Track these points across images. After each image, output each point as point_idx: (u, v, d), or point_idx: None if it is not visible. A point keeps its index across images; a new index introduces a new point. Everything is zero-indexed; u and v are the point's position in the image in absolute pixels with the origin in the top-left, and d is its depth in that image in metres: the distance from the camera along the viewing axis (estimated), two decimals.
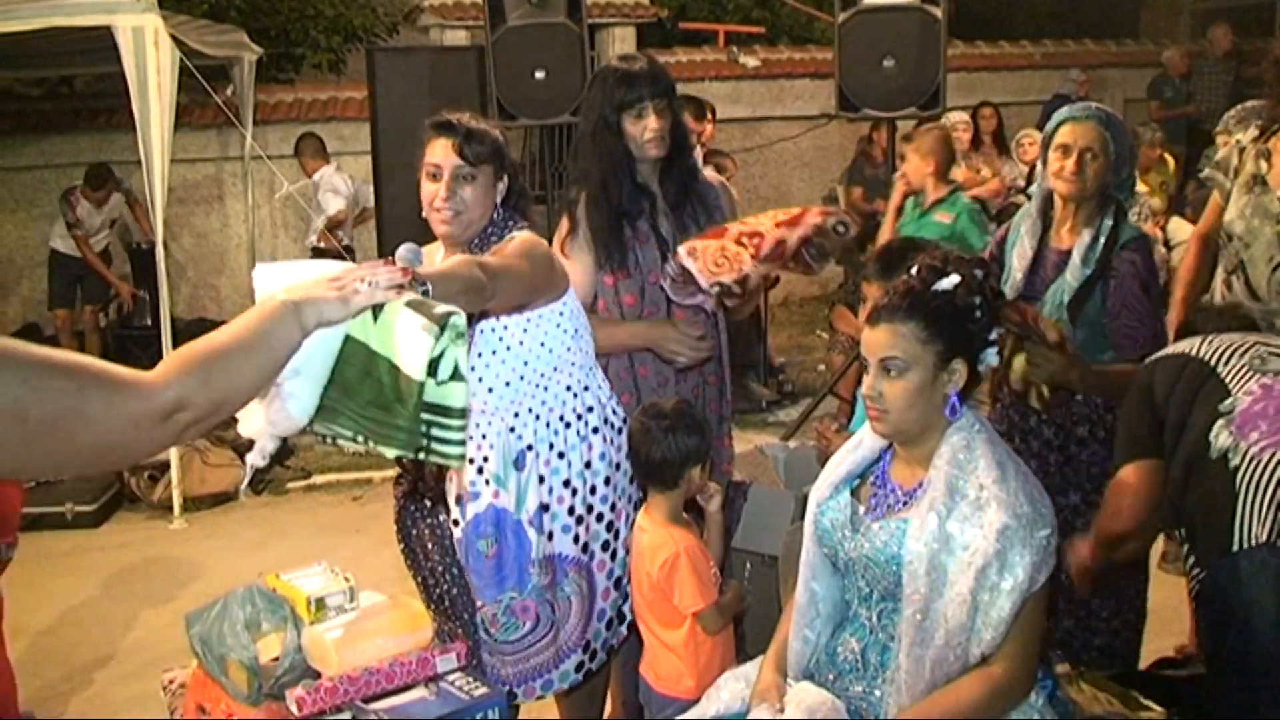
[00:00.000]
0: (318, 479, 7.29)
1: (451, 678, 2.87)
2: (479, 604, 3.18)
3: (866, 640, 2.57)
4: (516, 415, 3.14)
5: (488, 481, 3.13)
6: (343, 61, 11.68)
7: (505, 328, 3.10)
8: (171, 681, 3.31)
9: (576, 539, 3.22)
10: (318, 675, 2.85)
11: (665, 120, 3.53)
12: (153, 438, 1.80)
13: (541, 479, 3.16)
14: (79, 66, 9.45)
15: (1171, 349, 2.95)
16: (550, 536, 3.18)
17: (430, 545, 3.26)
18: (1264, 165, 3.85)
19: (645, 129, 3.51)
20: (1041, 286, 3.60)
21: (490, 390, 3.12)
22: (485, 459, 3.13)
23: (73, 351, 1.79)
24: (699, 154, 6.82)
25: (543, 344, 3.14)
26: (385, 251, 7.21)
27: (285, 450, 7.58)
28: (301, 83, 11.10)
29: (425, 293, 2.27)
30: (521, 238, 3.07)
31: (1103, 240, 3.50)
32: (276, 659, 2.88)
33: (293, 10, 11.38)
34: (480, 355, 3.09)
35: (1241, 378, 2.72)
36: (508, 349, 3.10)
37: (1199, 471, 2.71)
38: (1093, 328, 3.52)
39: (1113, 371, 3.37)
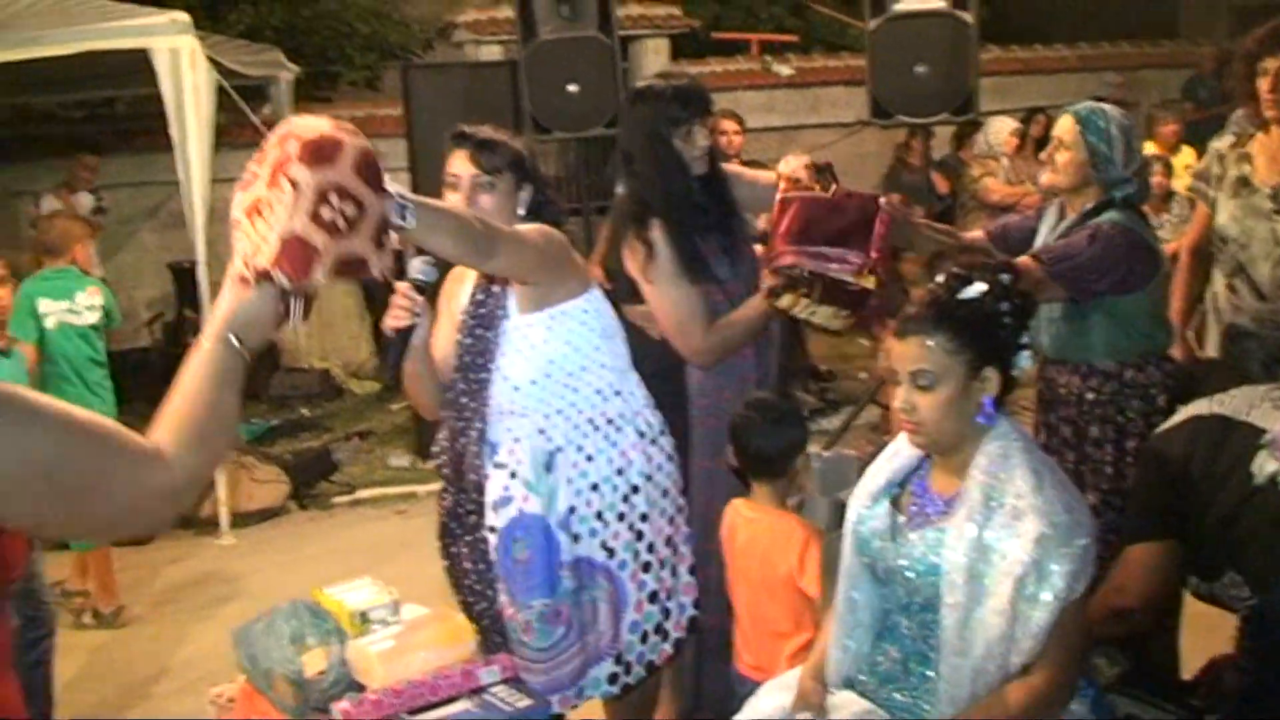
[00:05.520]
0: (362, 494, 7.34)
1: (495, 690, 2.89)
2: (511, 612, 3.17)
3: (907, 650, 2.57)
4: (546, 416, 3.16)
5: (519, 487, 3.15)
6: (379, 79, 11.76)
7: (530, 325, 3.13)
8: (220, 695, 3.35)
9: (603, 544, 3.21)
10: (362, 688, 2.88)
11: (709, 139, 3.65)
12: (162, 513, 1.76)
13: (569, 480, 3.17)
14: (119, 88, 9.56)
15: (1178, 418, 2.96)
16: (577, 539, 3.18)
17: (468, 564, 3.29)
18: (1247, 168, 3.92)
19: (694, 147, 3.62)
20: None
21: (516, 389, 3.14)
22: (519, 462, 3.15)
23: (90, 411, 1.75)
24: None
25: (568, 342, 3.15)
26: None
27: (330, 465, 7.65)
28: (338, 100, 11.19)
29: (403, 215, 2.23)
30: (533, 225, 3.10)
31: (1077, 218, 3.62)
32: (322, 672, 2.91)
33: (329, 29, 11.48)
34: (505, 354, 3.14)
35: (1271, 416, 2.74)
36: (532, 347, 3.13)
37: (1247, 506, 2.70)
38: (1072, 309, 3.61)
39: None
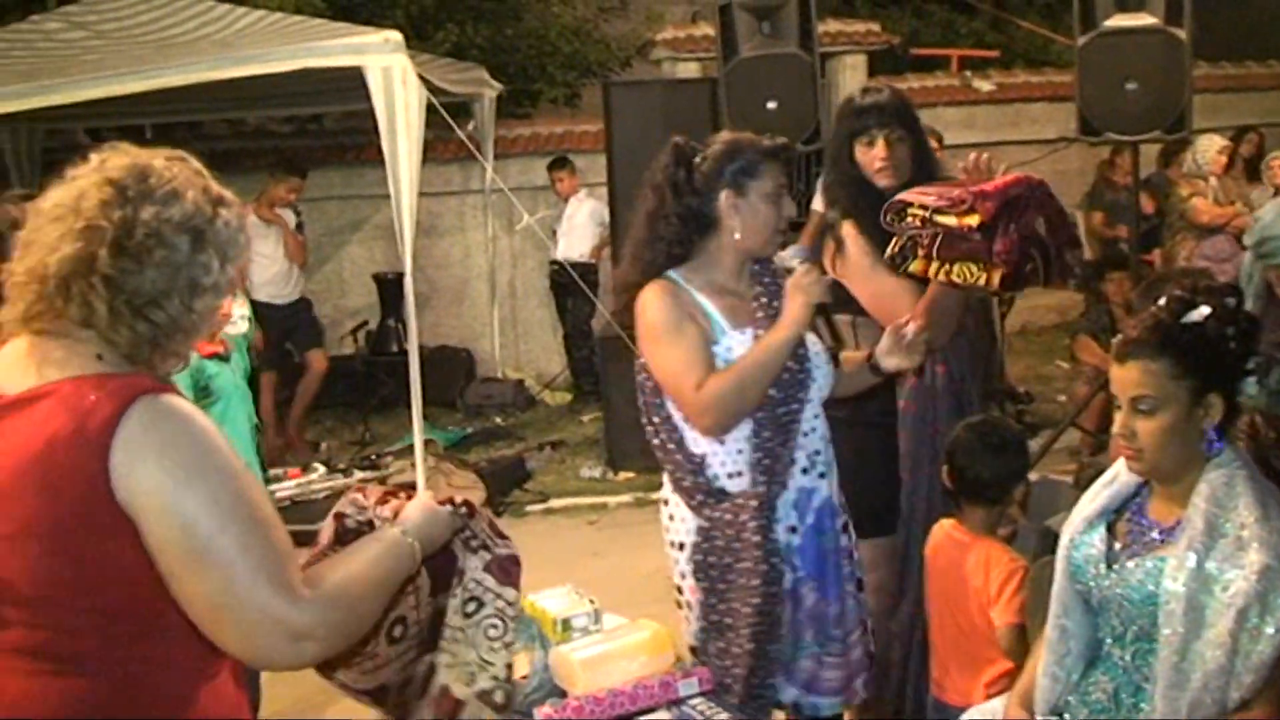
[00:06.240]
0: (555, 503, 7.46)
1: (693, 703, 2.90)
2: (827, 603, 3.18)
3: (1119, 680, 2.50)
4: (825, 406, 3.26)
5: (822, 474, 3.21)
6: (578, 96, 11.96)
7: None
8: None
9: (845, 529, 3.27)
10: (563, 694, 2.92)
11: (897, 150, 3.69)
12: (270, 644, 1.79)
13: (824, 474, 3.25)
14: (327, 104, 9.90)
15: None
16: (845, 528, 3.26)
17: (753, 581, 3.14)
18: None
19: (874, 158, 3.69)
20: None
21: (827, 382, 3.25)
22: (818, 452, 3.21)
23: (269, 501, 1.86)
24: None
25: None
26: None
27: (523, 474, 7.80)
28: (539, 117, 11.41)
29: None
30: None
31: None
32: (525, 677, 2.96)
33: (531, 48, 11.74)
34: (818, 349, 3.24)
35: None
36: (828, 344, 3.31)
37: None
38: None
39: None
